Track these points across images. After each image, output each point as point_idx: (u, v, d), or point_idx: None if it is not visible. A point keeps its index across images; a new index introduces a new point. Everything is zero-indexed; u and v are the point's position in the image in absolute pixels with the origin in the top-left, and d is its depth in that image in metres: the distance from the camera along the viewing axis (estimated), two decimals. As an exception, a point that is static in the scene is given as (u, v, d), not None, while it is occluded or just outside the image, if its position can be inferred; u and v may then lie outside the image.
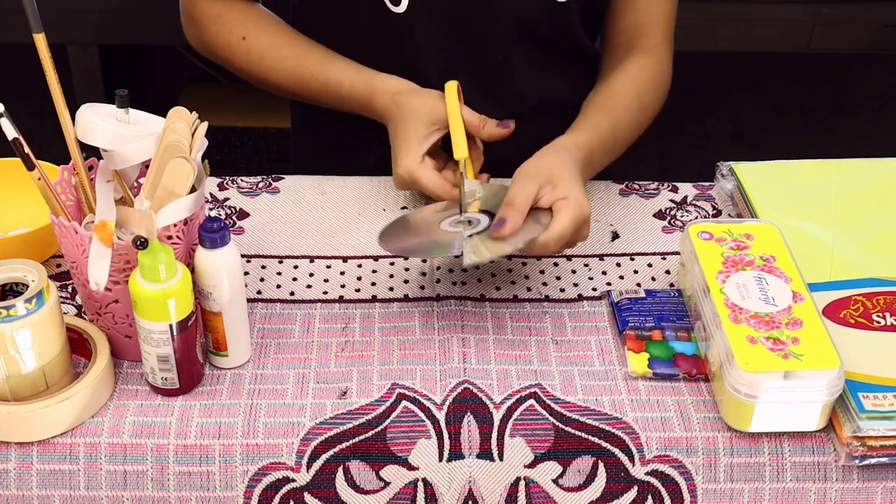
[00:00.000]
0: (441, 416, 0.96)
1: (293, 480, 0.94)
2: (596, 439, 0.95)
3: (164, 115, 0.98)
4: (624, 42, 1.30)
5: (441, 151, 1.21)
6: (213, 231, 0.95)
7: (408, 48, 1.26)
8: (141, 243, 0.90)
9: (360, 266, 1.14)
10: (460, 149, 1.16)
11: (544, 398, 0.98)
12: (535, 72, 1.30)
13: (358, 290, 1.11)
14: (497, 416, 0.96)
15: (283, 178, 1.28)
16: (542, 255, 1.14)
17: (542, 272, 1.14)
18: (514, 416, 0.96)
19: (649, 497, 0.95)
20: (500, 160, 1.20)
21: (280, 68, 1.28)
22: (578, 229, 1.06)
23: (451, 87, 1.19)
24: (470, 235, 1.06)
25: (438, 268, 1.14)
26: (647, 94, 1.27)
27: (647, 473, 0.95)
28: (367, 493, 0.95)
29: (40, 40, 0.95)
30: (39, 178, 0.96)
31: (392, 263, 1.15)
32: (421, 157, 1.16)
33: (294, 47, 1.28)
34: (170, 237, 0.96)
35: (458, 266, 1.14)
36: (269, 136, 2.66)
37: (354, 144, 1.35)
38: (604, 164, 1.21)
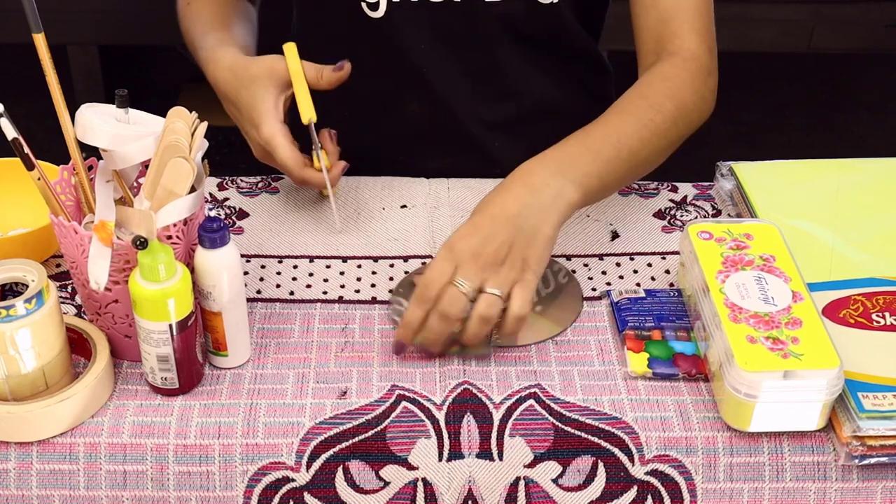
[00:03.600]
0: (441, 416, 0.96)
1: (293, 480, 0.94)
2: (596, 439, 0.95)
3: (164, 115, 0.98)
4: (652, 48, 1.19)
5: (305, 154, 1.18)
6: (213, 231, 0.95)
7: (393, 51, 1.26)
8: (141, 243, 0.90)
9: (359, 266, 1.14)
10: (306, 110, 1.14)
11: (544, 398, 0.98)
12: (532, 73, 1.30)
13: (357, 291, 1.11)
14: (497, 416, 0.96)
15: (282, 178, 1.28)
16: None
17: (541, 272, 1.14)
18: (513, 416, 0.96)
19: (649, 497, 0.95)
20: (506, 162, 1.15)
21: (189, 26, 1.26)
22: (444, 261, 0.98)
23: (291, 47, 1.16)
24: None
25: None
26: (659, 103, 1.13)
27: (646, 473, 0.95)
28: (366, 492, 0.95)
29: (40, 40, 0.95)
30: (39, 178, 0.96)
31: (392, 265, 1.15)
32: (278, 124, 1.13)
33: (215, 11, 1.25)
34: (169, 237, 0.96)
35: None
36: (269, 136, 2.65)
37: (356, 146, 1.34)
38: (610, 174, 1.09)
